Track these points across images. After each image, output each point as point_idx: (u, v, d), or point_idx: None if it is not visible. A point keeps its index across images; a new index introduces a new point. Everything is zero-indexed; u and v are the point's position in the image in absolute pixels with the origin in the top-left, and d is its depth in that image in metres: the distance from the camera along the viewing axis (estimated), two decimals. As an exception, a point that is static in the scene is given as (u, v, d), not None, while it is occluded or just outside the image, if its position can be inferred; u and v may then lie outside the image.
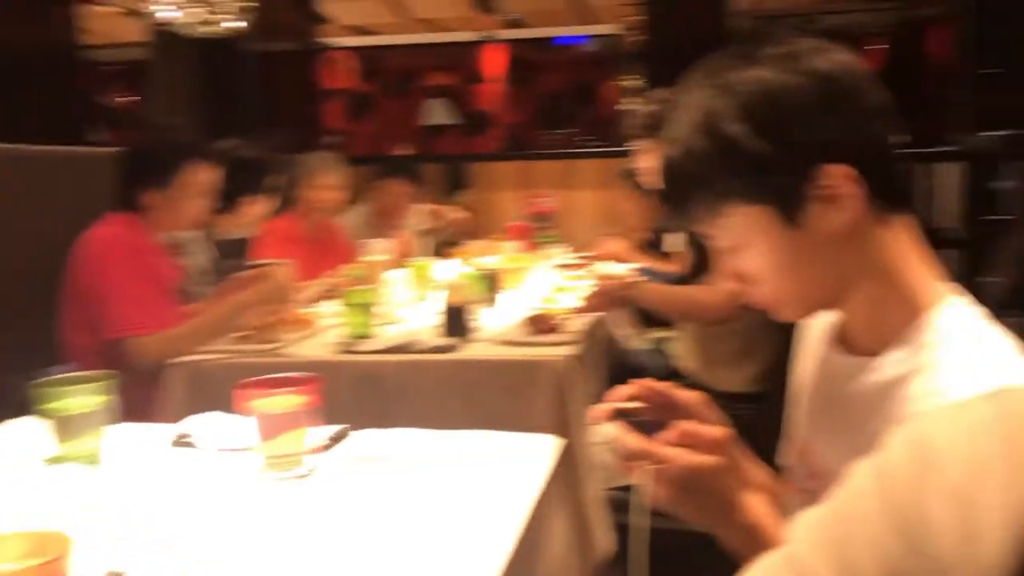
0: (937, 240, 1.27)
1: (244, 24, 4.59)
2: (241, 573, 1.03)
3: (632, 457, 0.92)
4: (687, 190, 0.96)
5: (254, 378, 1.36)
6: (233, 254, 3.08)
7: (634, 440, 0.92)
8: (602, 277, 2.58)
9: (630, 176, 3.32)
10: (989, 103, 4.18)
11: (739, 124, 0.90)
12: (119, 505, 1.19)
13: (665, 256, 3.16)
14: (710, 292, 2.33)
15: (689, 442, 0.91)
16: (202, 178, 2.58)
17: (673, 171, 0.96)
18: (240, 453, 1.43)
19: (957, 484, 0.54)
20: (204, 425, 1.55)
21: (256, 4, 4.42)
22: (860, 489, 0.58)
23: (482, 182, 4.79)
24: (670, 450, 0.90)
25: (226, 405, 1.82)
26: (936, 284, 0.93)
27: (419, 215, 4.31)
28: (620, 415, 0.96)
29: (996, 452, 0.54)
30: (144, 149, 2.61)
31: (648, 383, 1.00)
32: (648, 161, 2.79)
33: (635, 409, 0.98)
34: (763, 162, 0.90)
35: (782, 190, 0.91)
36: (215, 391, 2.19)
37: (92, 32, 5.87)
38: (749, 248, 0.96)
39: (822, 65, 0.91)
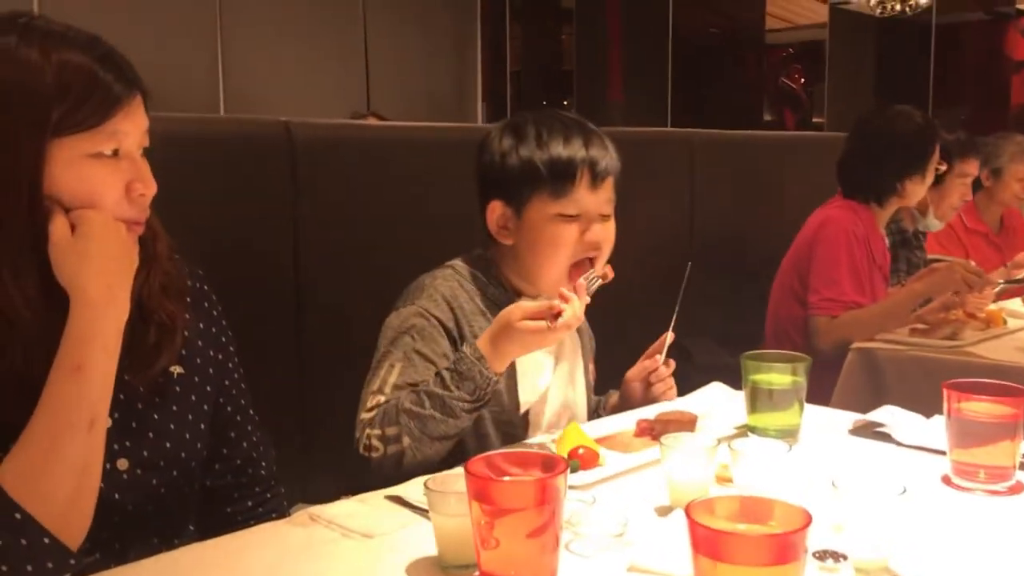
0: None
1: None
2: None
3: None
4: None
5: (959, 380, 1.29)
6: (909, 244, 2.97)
7: None
8: None
9: None
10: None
11: None
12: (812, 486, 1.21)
13: None
14: None
15: None
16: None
17: None
18: (931, 454, 1.37)
19: None
20: (894, 417, 1.52)
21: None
22: None
23: None
24: None
25: (896, 397, 1.77)
26: None
27: None
28: None
29: None
30: (901, 135, 2.61)
31: None
32: None
33: None
34: None
35: None
36: (886, 381, 2.15)
37: (771, 15, 6.13)
38: None
39: None
